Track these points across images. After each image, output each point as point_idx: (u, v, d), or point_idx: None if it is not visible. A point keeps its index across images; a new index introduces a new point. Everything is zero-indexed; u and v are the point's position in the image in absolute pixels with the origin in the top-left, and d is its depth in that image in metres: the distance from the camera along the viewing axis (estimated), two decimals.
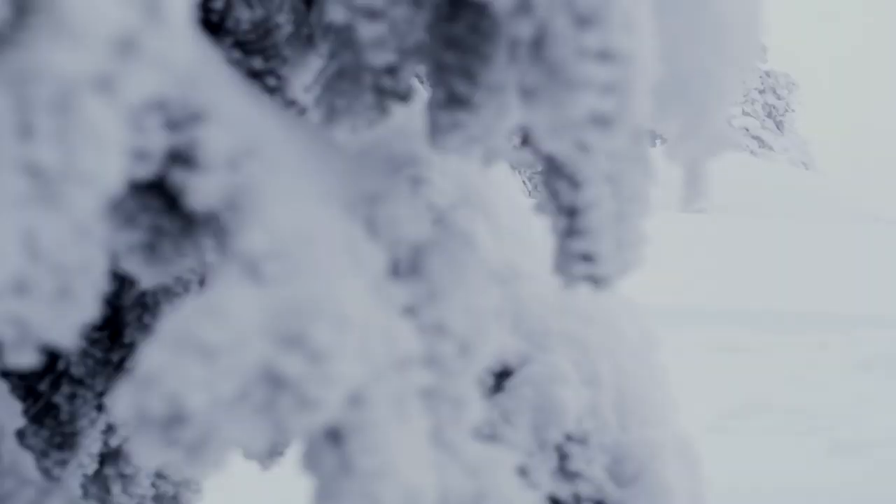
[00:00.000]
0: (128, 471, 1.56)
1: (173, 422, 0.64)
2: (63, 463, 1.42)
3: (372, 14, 0.84)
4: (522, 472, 1.20)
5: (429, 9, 0.86)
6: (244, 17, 1.18)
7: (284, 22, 1.15)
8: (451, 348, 0.84)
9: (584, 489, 1.24)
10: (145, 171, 0.73)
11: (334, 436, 0.72)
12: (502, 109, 0.90)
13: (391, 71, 0.89)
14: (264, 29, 1.20)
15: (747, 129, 38.55)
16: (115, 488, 1.55)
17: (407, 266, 0.84)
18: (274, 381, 0.67)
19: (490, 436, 1.17)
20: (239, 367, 0.65)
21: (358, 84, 0.90)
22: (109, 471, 1.48)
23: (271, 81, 1.18)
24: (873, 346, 4.90)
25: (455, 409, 0.86)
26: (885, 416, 4.01)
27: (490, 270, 1.35)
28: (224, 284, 0.69)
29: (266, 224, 0.73)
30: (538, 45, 0.77)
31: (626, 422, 1.29)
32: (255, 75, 1.18)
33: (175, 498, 1.67)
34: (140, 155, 0.72)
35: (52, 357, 1.24)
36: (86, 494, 1.51)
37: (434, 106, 0.87)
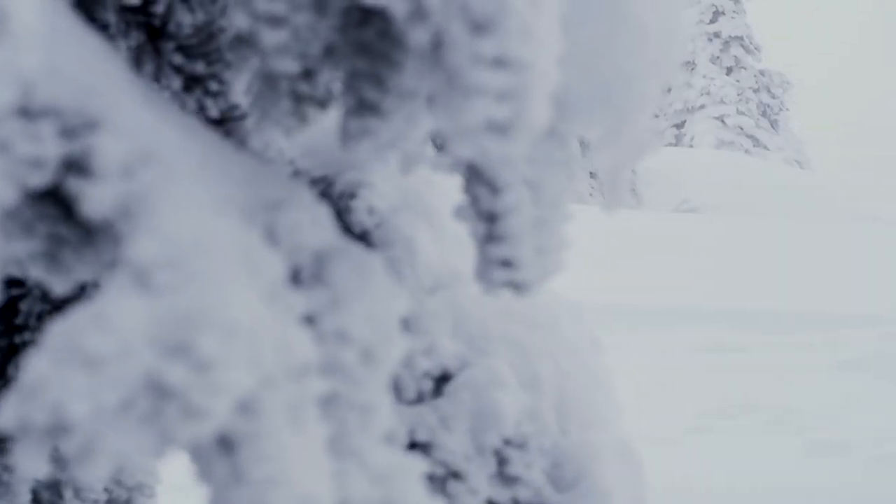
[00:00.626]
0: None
1: (56, 431, 0.64)
2: (8, 469, 1.41)
3: (274, 21, 0.84)
4: (459, 476, 1.21)
5: (334, 15, 0.86)
6: (186, 21, 1.18)
7: (227, 26, 1.15)
8: (353, 356, 0.84)
9: (523, 494, 1.25)
10: (41, 180, 0.73)
11: (226, 444, 0.72)
12: (413, 115, 0.91)
13: (307, 76, 0.89)
14: (207, 33, 1.20)
15: (742, 128, 38.57)
16: (68, 494, 1.55)
17: (310, 273, 0.84)
18: (159, 391, 0.67)
19: (427, 441, 1.17)
20: (124, 377, 0.65)
21: (275, 90, 0.90)
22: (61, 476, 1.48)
23: (213, 86, 1.19)
24: (859, 346, 4.91)
25: (362, 417, 0.86)
26: (867, 416, 4.02)
27: (431, 274, 1.36)
28: (113, 293, 0.69)
29: (158, 232, 0.73)
30: (436, 51, 0.77)
31: (566, 425, 1.29)
32: (198, 79, 1.19)
33: (128, 502, 1.67)
34: (35, 163, 0.72)
35: None
36: (37, 500, 1.51)
37: (345, 112, 0.88)
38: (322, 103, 0.92)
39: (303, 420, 0.75)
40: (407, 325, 1.17)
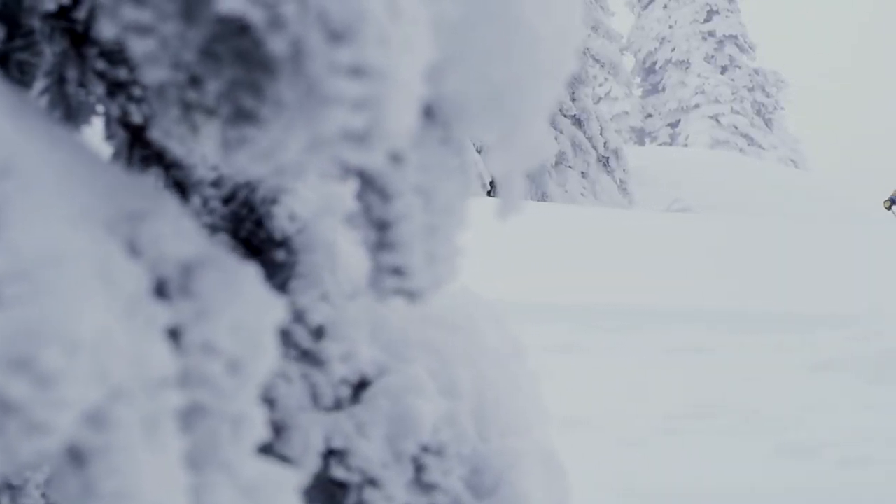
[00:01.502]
0: (16, 482, 1.56)
1: None
2: None
3: (141, 30, 0.83)
4: (375, 484, 1.20)
5: (205, 24, 0.85)
6: (109, 26, 1.17)
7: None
8: (220, 367, 0.83)
9: (441, 501, 1.24)
10: None
11: (77, 458, 0.72)
12: (292, 123, 0.90)
13: (194, 84, 0.88)
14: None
15: (736, 127, 38.59)
16: (4, 499, 1.55)
17: (177, 285, 0.83)
18: (1, 406, 0.66)
19: (343, 448, 1.17)
20: None
21: (164, 98, 0.89)
22: None
23: (136, 91, 1.18)
24: (832, 347, 4.91)
25: (234, 428, 0.85)
26: (836, 417, 4.02)
27: (351, 280, 1.35)
28: None
29: (8, 245, 0.73)
30: (296, 60, 0.77)
31: (485, 432, 1.29)
32: (121, 85, 1.18)
33: None
34: None
35: None
36: None
37: (223, 121, 0.87)
38: (211, 112, 0.91)
39: (160, 433, 0.74)
40: (324, 331, 1.17)
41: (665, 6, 41.06)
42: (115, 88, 1.18)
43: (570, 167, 20.03)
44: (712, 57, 39.00)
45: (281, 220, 1.20)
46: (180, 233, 0.82)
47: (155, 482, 0.71)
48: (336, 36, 0.73)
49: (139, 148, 1.16)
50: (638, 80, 42.61)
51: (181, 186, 1.16)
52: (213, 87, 0.88)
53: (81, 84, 1.15)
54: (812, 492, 3.38)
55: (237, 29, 0.85)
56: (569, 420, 3.92)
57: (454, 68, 0.95)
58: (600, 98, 40.62)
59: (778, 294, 6.37)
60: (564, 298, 6.05)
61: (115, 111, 1.16)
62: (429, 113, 1.03)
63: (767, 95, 39.70)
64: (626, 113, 41.39)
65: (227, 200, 1.20)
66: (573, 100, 20.35)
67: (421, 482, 1.22)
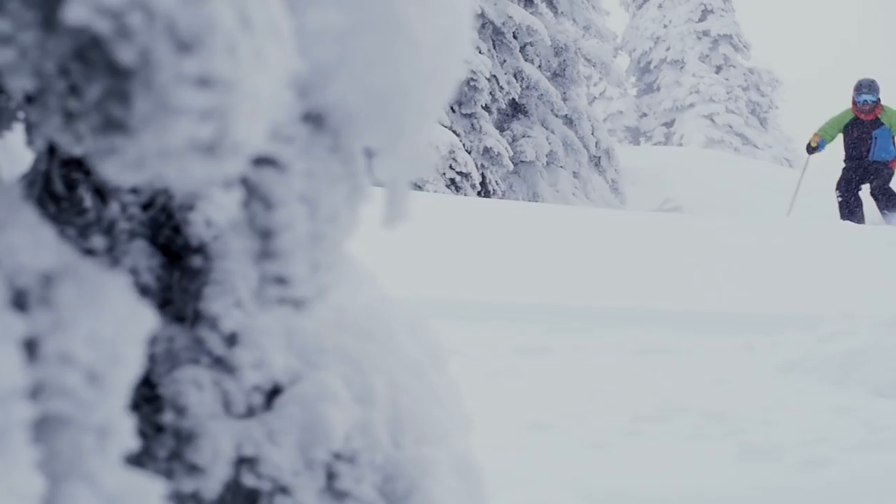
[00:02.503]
0: None
1: None
2: None
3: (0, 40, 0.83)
4: (286, 491, 1.19)
5: (66, 33, 0.85)
6: None
7: None
8: (79, 378, 0.82)
9: None
10: None
11: None
12: (161, 133, 0.89)
13: (74, 92, 0.88)
14: None
15: (731, 126, 38.60)
16: None
17: (37, 296, 0.82)
18: None
19: (254, 456, 1.16)
20: None
21: (45, 107, 0.89)
22: None
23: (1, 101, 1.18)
24: (798, 348, 4.90)
25: (98, 439, 0.84)
26: (801, 418, 4.01)
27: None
28: None
29: None
30: (145, 70, 0.76)
31: (400, 440, 1.28)
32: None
33: None
34: None
35: None
36: None
37: (92, 130, 0.86)
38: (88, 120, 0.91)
39: (7, 442, 0.73)
40: (237, 339, 1.16)
41: (660, 6, 41.07)
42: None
43: (561, 167, 20.00)
44: (707, 56, 39.00)
45: (198, 227, 1.19)
46: (39, 243, 0.81)
47: (5, 494, 0.70)
48: (184, 46, 0.72)
49: (57, 154, 1.15)
50: (633, 79, 42.60)
51: (100, 192, 1.15)
52: (91, 96, 0.87)
53: None
54: (773, 494, 3.37)
55: (93, 39, 0.84)
56: (534, 422, 3.91)
57: (337, 75, 0.95)
58: (595, 98, 40.59)
59: (749, 294, 6.36)
60: (540, 298, 6.04)
61: (33, 117, 1.15)
62: (317, 121, 1.03)
63: (762, 95, 39.72)
64: (621, 112, 41.33)
65: (145, 206, 1.19)
66: (564, 100, 20.33)
67: (333, 490, 1.21)
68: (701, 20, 39.03)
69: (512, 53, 19.37)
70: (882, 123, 14.85)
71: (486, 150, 18.21)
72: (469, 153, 18.10)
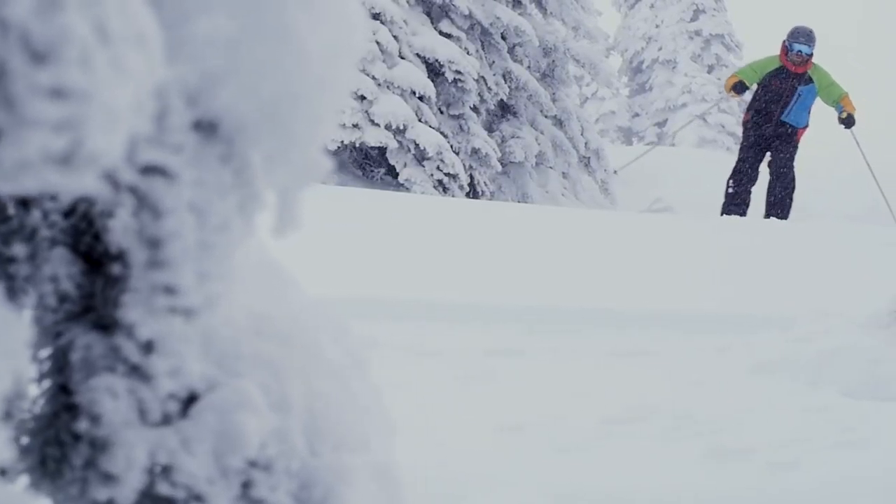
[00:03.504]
0: None
1: None
2: None
3: None
4: (201, 499, 1.19)
5: None
6: None
7: None
8: None
9: None
10: None
11: None
12: (17, 144, 0.89)
13: None
14: None
15: (723, 126, 38.64)
16: None
17: None
18: None
19: (167, 464, 1.15)
20: None
21: None
22: None
23: None
24: (772, 348, 4.90)
25: None
26: (770, 420, 4.01)
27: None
28: None
29: None
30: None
31: (317, 447, 1.28)
32: None
33: None
34: None
35: None
36: None
37: None
38: None
39: None
40: (153, 346, 1.15)
41: (651, 6, 41.17)
42: None
43: (550, 168, 20.00)
44: (699, 56, 39.05)
45: (116, 234, 1.18)
46: None
47: None
48: (37, 56, 0.72)
49: None
50: (625, 79, 42.68)
51: (23, 199, 1.15)
52: None
53: None
54: (742, 495, 3.38)
55: None
56: (505, 424, 3.91)
57: (227, 83, 0.94)
58: (587, 98, 40.63)
59: (727, 295, 6.37)
60: (519, 300, 6.04)
61: None
62: (208, 129, 1.02)
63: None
64: (613, 112, 41.36)
65: (67, 214, 1.18)
66: (554, 100, 20.34)
67: (248, 497, 1.21)
68: (693, 20, 39.09)
69: (500, 54, 19.38)
70: (811, 81, 13.36)
71: (475, 151, 18.21)
72: (457, 154, 18.09)
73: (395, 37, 21.09)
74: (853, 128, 13.74)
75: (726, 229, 8.91)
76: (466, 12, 20.34)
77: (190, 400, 1.19)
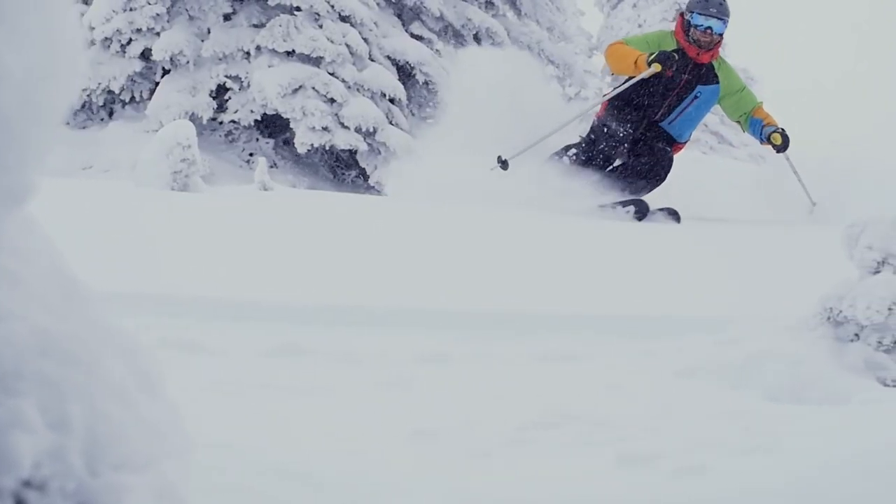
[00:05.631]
0: None
1: None
2: None
3: None
4: None
5: None
6: None
7: None
8: None
9: None
10: None
11: None
12: None
13: None
14: None
15: (706, 125, 38.80)
16: None
17: None
18: None
19: None
20: None
21: None
22: None
23: None
24: (698, 352, 4.94)
25: None
26: (686, 424, 4.04)
27: None
28: None
29: None
30: None
31: (95, 466, 1.28)
32: None
33: None
34: None
35: None
36: None
37: None
38: None
39: None
40: None
41: (634, 5, 41.39)
42: None
43: None
44: None
45: None
46: None
47: None
48: None
49: None
50: (609, 79, 42.83)
51: None
52: None
53: None
54: (646, 501, 3.39)
55: None
56: (419, 431, 3.92)
57: None
58: (570, 98, 40.67)
59: (659, 297, 6.39)
60: (448, 304, 6.05)
61: None
62: None
63: None
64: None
65: None
66: None
67: None
68: (675, 19, 39.26)
69: None
70: (716, 78, 9.58)
71: None
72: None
73: (364, 39, 21.08)
74: (787, 150, 10.08)
75: (663, 231, 8.94)
76: (438, 14, 20.40)
77: None
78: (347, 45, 21.73)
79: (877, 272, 5.03)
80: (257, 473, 3.62)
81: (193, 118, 22.22)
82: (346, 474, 3.59)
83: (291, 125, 21.50)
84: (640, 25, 39.73)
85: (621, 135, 9.33)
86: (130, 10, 23.75)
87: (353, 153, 20.76)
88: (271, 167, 21.11)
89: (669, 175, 10.04)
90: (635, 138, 9.49)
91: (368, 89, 20.82)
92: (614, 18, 40.94)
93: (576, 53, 26.52)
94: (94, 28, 23.80)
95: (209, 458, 3.70)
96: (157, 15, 23.75)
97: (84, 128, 24.58)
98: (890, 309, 4.93)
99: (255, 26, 23.77)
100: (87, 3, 24.67)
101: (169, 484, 1.36)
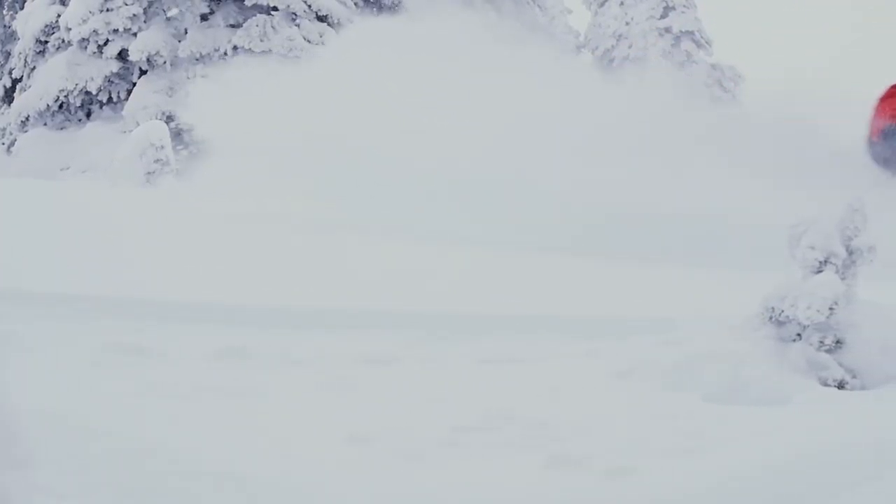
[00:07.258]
0: None
1: None
2: None
3: None
4: None
5: None
6: None
7: None
8: None
9: None
10: None
11: None
12: None
13: None
14: None
15: None
16: None
17: None
18: None
19: None
20: None
21: None
22: None
23: None
24: (641, 352, 4.98)
25: None
26: (621, 425, 4.08)
27: None
28: None
29: None
30: None
31: None
32: None
33: None
34: None
35: None
36: None
37: None
38: None
39: None
40: None
41: (621, 3, 41.43)
42: None
43: None
44: (669, 53, 39.25)
45: None
46: None
47: None
48: None
49: None
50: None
51: None
52: None
53: None
54: (574, 503, 3.42)
55: None
56: (354, 434, 3.95)
57: None
58: None
59: (601, 298, 6.43)
60: (401, 305, 6.08)
61: None
62: None
63: (725, 90, 39.94)
64: None
65: None
66: None
67: None
68: (662, 17, 39.32)
69: None
70: None
71: None
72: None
73: None
74: None
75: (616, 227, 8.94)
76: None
77: None
78: (325, 45, 21.68)
79: (819, 272, 5.07)
80: (192, 477, 3.64)
81: (170, 119, 22.21)
82: (280, 478, 3.61)
83: None
84: (627, 24, 39.83)
85: None
86: (107, 10, 23.71)
87: None
88: None
89: None
90: None
91: None
92: (602, 16, 41.02)
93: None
94: (70, 29, 23.78)
95: (144, 463, 3.73)
96: (134, 15, 23.73)
97: (62, 129, 24.54)
98: (831, 309, 4.97)
99: (232, 26, 23.78)
100: (63, 4, 24.64)
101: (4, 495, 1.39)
